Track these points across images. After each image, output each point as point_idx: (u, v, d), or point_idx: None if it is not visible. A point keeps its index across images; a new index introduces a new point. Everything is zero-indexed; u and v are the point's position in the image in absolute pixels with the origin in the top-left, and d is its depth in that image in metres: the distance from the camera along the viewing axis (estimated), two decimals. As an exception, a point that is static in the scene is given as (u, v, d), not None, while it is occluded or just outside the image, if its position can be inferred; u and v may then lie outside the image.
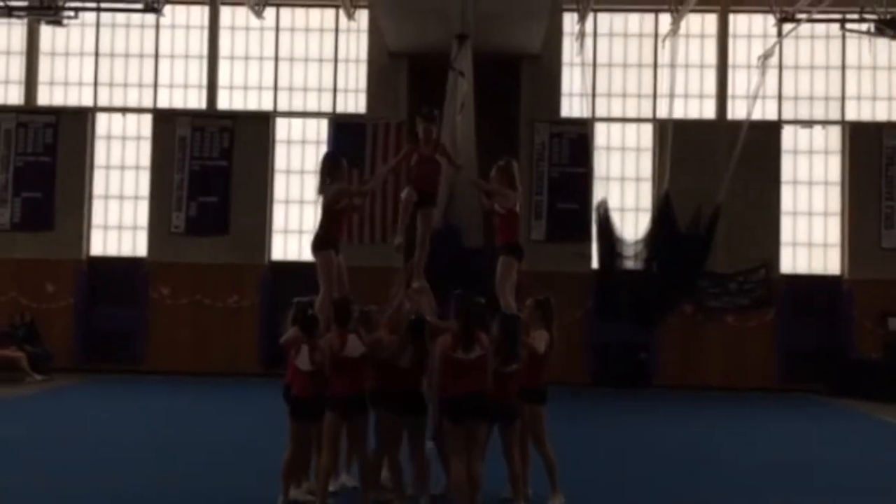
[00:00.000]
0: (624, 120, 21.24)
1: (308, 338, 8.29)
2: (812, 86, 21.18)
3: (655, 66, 21.10)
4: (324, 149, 19.37)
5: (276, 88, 21.37)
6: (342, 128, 20.69)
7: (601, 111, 20.99)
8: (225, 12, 21.43)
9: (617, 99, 21.27)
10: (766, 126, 20.46)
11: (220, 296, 20.66)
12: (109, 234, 21.35)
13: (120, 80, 21.43)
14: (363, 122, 20.63)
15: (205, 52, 21.35)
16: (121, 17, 20.79)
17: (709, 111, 21.13)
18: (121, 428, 13.27)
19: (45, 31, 20.91)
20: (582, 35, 19.99)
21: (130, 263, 20.99)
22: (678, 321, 19.34)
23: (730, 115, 20.75)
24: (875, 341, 19.86)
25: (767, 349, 20.31)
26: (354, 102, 21.28)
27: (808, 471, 11.23)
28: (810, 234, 21.07)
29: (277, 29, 21.37)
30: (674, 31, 20.04)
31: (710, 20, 21.22)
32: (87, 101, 21.39)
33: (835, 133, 21.17)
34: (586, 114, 20.08)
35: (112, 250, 21.31)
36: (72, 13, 19.15)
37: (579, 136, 20.43)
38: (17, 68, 21.49)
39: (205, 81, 21.31)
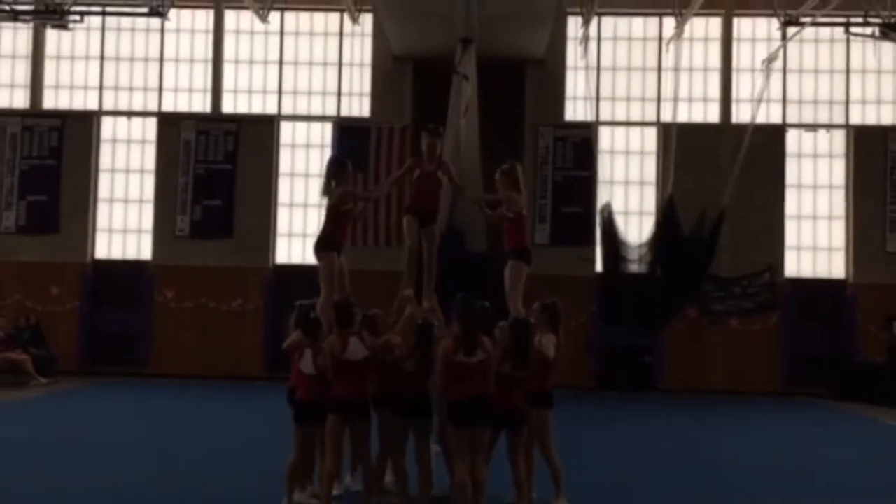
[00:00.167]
0: (628, 123, 21.24)
1: (311, 341, 8.30)
2: (816, 89, 21.16)
3: (659, 69, 21.11)
4: (328, 152, 19.40)
5: (280, 92, 21.39)
6: (346, 131, 20.72)
7: (605, 115, 21.02)
8: (230, 16, 21.47)
9: (621, 103, 21.27)
10: (770, 130, 20.43)
11: (225, 299, 20.68)
12: (114, 238, 21.37)
13: (125, 84, 21.48)
14: (367, 126, 20.66)
15: (210, 55, 21.39)
16: (126, 21, 20.81)
17: (713, 115, 21.13)
18: (123, 430, 13.29)
19: (51, 35, 21.01)
20: (586, 39, 19.94)
21: (135, 266, 21.02)
22: (682, 325, 19.33)
23: (734, 119, 20.75)
24: (879, 345, 19.80)
25: (772, 353, 20.28)
26: (359, 106, 21.29)
27: (811, 474, 11.24)
28: (815, 238, 21.04)
29: (282, 33, 21.40)
30: (678, 34, 20.02)
31: (714, 24, 21.23)
32: (92, 105, 21.43)
33: (839, 137, 21.14)
34: (590, 117, 20.03)
35: (117, 253, 21.33)
36: (77, 17, 19.10)
37: (583, 140, 20.38)
38: (23, 72, 21.55)
39: (209, 85, 21.35)
